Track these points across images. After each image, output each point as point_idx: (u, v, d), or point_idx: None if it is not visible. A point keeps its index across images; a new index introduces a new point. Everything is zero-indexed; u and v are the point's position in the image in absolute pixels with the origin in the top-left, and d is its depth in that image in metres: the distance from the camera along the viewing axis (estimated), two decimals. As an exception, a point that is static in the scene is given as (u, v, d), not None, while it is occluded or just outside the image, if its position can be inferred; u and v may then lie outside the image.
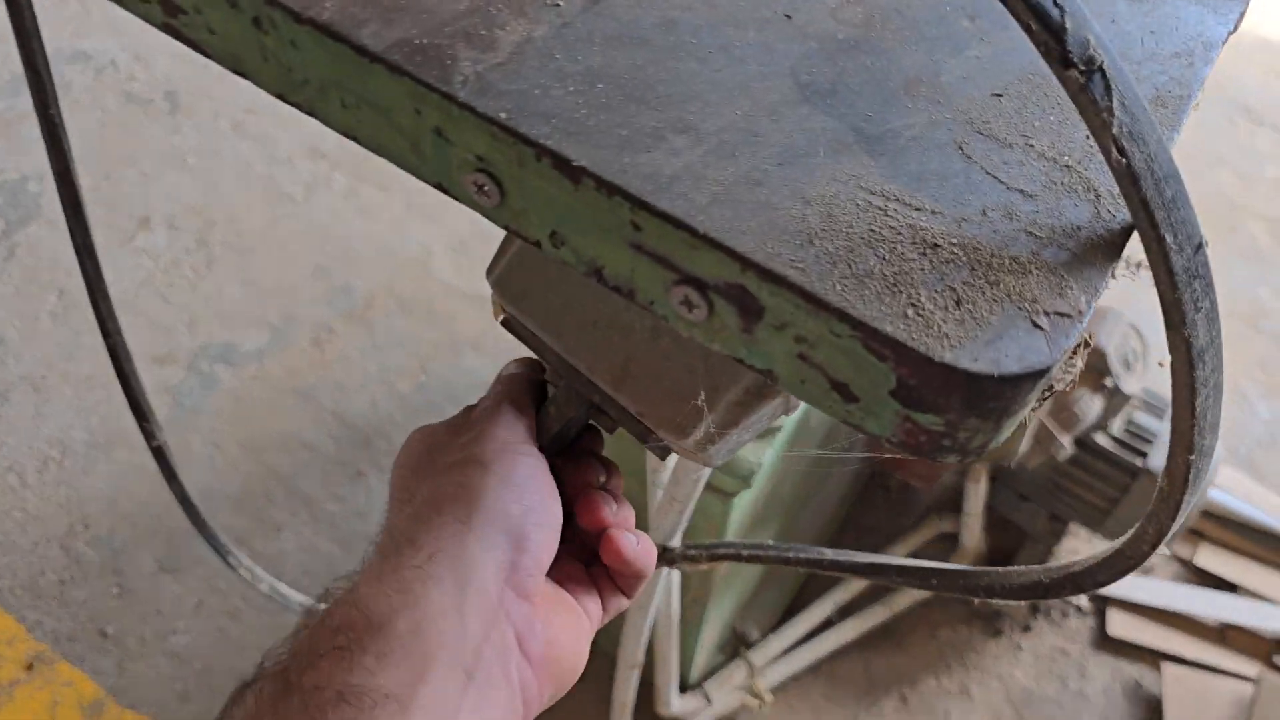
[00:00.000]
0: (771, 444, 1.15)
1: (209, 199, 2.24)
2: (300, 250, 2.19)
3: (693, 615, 1.43)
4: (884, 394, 0.35)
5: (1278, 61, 2.73)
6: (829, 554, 0.78)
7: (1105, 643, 1.79)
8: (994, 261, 0.36)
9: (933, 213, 0.37)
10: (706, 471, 0.88)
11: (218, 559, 1.75)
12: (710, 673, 1.66)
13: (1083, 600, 1.83)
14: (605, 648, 1.32)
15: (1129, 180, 0.35)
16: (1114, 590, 1.82)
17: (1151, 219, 0.36)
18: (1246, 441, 2.05)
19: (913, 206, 0.37)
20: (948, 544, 1.78)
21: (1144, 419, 1.64)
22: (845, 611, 1.74)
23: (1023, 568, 0.59)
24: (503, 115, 0.39)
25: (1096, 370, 1.53)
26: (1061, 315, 0.35)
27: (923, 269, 0.35)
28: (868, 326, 0.34)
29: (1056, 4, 0.34)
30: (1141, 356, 1.62)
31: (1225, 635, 1.80)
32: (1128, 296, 1.27)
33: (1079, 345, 0.39)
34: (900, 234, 0.36)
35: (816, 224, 0.36)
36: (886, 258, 0.35)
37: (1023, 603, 1.78)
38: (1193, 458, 0.43)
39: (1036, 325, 0.34)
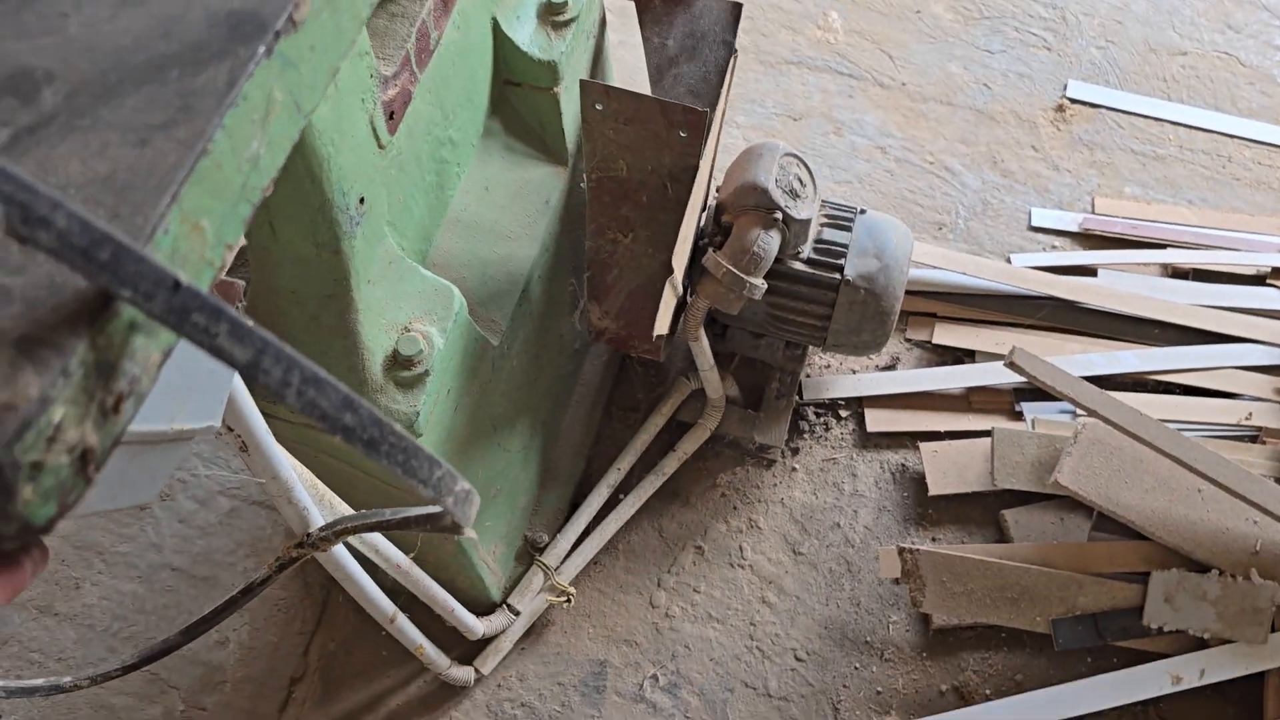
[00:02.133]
0: (423, 390, 1.20)
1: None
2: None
3: (451, 549, 1.51)
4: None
5: None
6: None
7: (868, 440, 1.93)
8: None
9: None
10: (284, 472, 0.94)
11: (29, 632, 1.78)
12: (514, 586, 1.76)
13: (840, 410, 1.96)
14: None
15: (59, 259, 0.38)
16: (864, 390, 1.95)
17: (107, 286, 0.39)
18: (961, 214, 2.17)
19: None
20: (701, 398, 1.88)
21: (833, 234, 1.74)
22: (624, 489, 1.84)
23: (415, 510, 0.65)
24: None
25: (763, 207, 1.61)
26: (6, 407, 0.39)
27: None
28: None
29: None
30: (810, 181, 1.70)
31: (971, 400, 1.95)
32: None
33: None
34: None
35: None
36: None
37: (785, 429, 1.90)
38: (355, 439, 0.47)
39: None
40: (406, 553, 1.34)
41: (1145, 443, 1.62)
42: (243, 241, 0.46)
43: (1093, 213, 2.16)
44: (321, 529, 0.95)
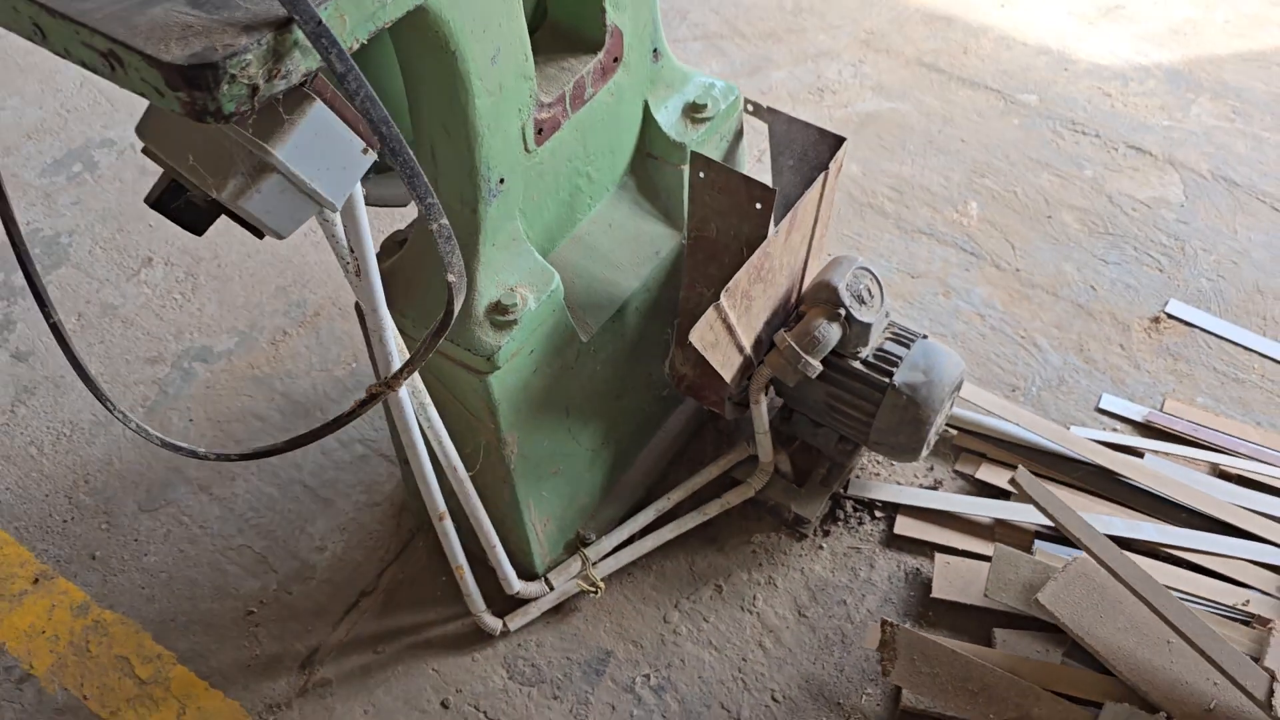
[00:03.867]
0: (510, 334, 1.60)
1: (198, 242, 2.81)
2: (267, 276, 2.73)
3: (508, 497, 1.87)
4: (165, 85, 0.82)
5: (1104, 83, 3.14)
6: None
7: (893, 540, 2.16)
8: (215, 28, 0.84)
9: (202, 14, 0.86)
10: (382, 310, 1.34)
11: (186, 501, 2.24)
12: (554, 566, 2.08)
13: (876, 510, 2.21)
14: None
15: None
16: (903, 499, 2.20)
17: (289, 14, 0.82)
18: (1036, 383, 2.42)
19: (189, 15, 0.85)
20: (753, 463, 2.18)
21: (892, 347, 2.05)
22: (670, 518, 2.15)
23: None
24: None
25: (830, 302, 1.95)
26: (229, 45, 0.82)
27: (187, 34, 0.83)
28: (146, 55, 0.82)
29: None
30: (878, 295, 2.03)
31: (996, 531, 2.16)
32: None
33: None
34: (177, 17, 0.85)
35: (144, 24, 0.84)
36: (165, 25, 0.83)
37: (820, 508, 2.16)
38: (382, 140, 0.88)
39: (214, 48, 0.82)
40: (468, 469, 1.71)
41: (1124, 582, 1.80)
42: (357, 47, 0.88)
43: (1160, 410, 2.35)
44: (393, 374, 1.34)
